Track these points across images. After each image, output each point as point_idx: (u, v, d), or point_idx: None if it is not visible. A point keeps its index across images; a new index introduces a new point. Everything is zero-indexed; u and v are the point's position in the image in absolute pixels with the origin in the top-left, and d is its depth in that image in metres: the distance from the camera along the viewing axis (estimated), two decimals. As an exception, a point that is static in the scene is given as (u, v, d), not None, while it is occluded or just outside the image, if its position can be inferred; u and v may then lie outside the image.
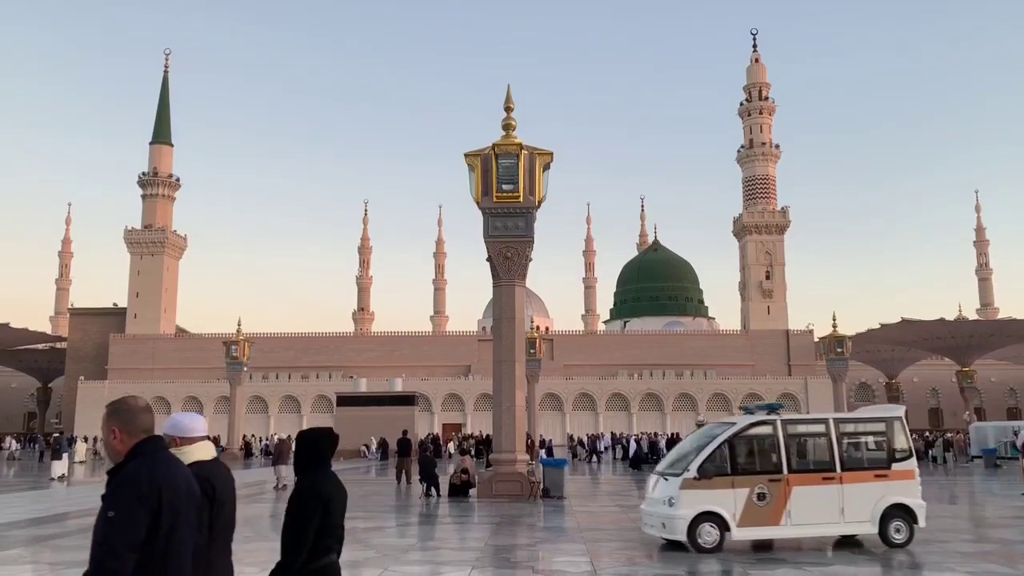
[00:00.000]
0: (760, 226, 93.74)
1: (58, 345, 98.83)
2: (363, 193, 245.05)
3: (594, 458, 49.20)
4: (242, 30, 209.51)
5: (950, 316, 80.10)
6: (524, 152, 22.43)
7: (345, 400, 55.48)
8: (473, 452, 39.35)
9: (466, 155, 22.64)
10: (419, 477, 24.43)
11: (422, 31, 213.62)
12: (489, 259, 22.73)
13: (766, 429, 12.84)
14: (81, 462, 48.27)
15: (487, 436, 47.01)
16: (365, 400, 55.50)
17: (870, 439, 13.60)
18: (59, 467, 32.87)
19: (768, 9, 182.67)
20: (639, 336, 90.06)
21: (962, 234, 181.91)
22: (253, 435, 62.89)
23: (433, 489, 22.88)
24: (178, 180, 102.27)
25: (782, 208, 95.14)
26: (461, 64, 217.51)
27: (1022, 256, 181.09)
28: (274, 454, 28.91)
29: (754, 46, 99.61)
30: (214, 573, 3.70)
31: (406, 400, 54.85)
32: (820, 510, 12.48)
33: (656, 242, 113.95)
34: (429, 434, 60.14)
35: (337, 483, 4.61)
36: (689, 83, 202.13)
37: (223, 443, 57.41)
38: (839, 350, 47.22)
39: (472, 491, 22.62)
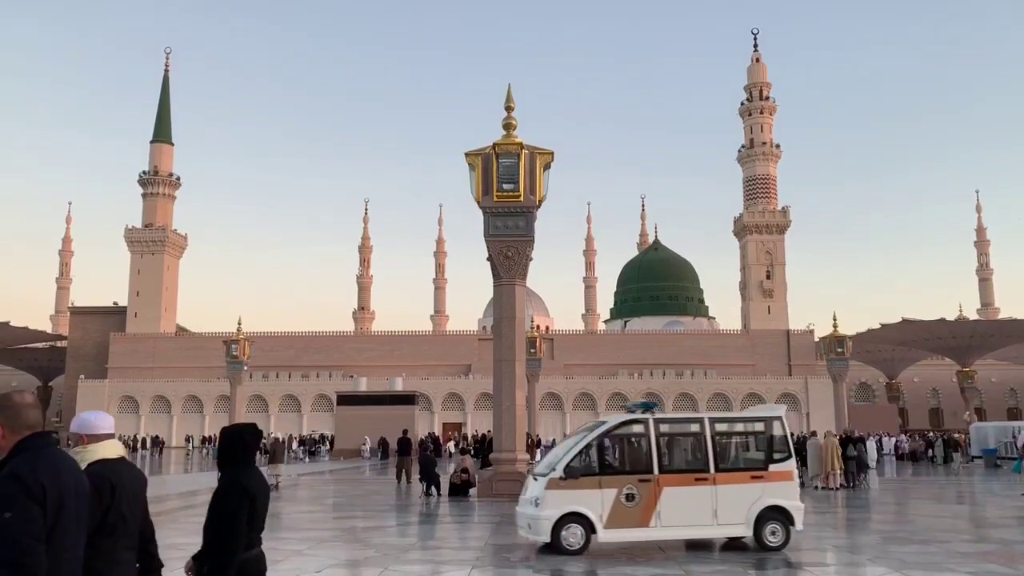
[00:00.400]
0: (761, 226, 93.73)
1: (58, 344, 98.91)
2: (363, 192, 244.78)
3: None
4: (242, 29, 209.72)
5: (950, 316, 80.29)
6: (524, 151, 22.43)
7: (345, 399, 55.47)
8: (472, 452, 39.28)
9: (467, 154, 22.63)
10: (419, 476, 24.43)
11: (422, 31, 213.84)
12: (489, 258, 22.73)
13: (638, 428, 12.40)
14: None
15: (483, 435, 46.93)
16: (365, 399, 55.51)
17: (747, 439, 13.24)
18: None
19: (769, 8, 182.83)
20: (639, 336, 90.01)
21: (962, 234, 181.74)
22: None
23: (433, 488, 22.89)
24: (178, 179, 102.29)
25: (783, 208, 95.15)
26: (461, 64, 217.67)
27: (1022, 256, 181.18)
28: (269, 453, 29.04)
29: (755, 45, 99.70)
30: (120, 570, 3.73)
31: (406, 399, 54.82)
32: (692, 511, 12.02)
33: (656, 242, 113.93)
34: (429, 433, 60.13)
35: (260, 478, 4.71)
36: (690, 82, 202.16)
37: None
38: (839, 350, 47.09)
39: (472, 490, 22.63)
